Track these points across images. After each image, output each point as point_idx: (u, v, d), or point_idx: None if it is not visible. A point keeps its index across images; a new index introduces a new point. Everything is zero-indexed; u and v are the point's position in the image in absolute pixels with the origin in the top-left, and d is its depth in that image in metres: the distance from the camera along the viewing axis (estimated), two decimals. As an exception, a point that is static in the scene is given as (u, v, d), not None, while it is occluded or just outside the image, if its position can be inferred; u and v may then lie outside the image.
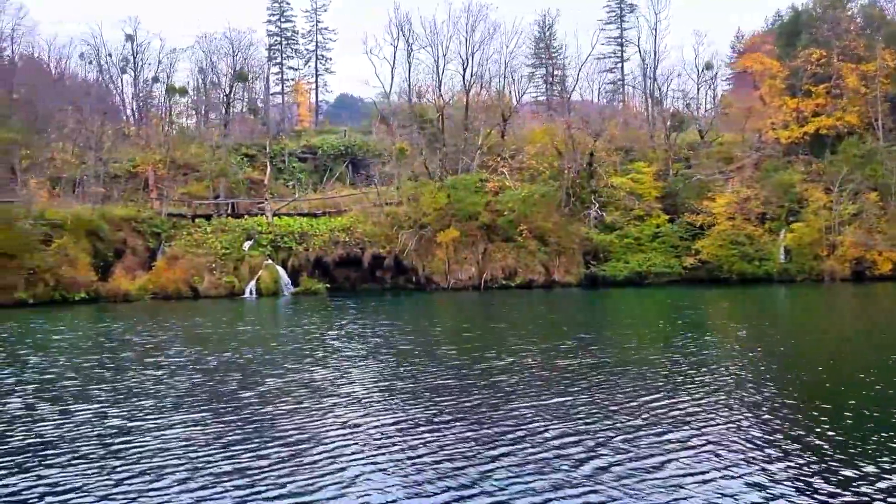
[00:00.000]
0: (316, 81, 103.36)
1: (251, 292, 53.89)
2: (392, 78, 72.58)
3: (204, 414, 15.33)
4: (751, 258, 57.75)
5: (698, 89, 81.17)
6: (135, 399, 16.94)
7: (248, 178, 67.26)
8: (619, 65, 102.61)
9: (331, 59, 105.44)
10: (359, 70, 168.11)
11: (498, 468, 11.43)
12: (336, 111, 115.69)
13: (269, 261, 55.62)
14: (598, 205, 60.43)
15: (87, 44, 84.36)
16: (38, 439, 13.52)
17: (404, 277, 58.49)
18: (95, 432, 13.89)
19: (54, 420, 14.98)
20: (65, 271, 48.89)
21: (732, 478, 10.83)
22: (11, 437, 13.74)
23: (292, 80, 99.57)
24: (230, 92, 73.92)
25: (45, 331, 33.18)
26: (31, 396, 17.64)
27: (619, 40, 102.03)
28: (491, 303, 47.16)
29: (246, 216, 59.45)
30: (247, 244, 56.10)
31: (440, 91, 66.19)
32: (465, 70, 66.53)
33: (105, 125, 62.39)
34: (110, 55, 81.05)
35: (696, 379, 18.27)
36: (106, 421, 14.81)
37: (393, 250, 57.27)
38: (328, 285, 55.80)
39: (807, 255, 57.84)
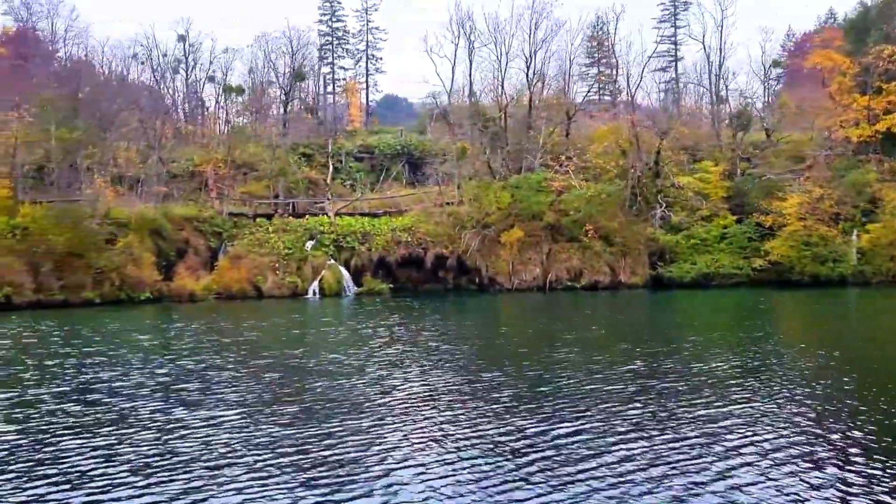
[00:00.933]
0: (367, 81, 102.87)
1: (314, 292, 53.29)
2: (453, 76, 71.70)
3: (293, 413, 14.61)
4: (824, 259, 56.01)
5: (765, 88, 79.36)
6: (248, 398, 16.21)
7: (306, 178, 66.65)
8: (674, 63, 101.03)
9: (381, 58, 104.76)
10: (405, 69, 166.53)
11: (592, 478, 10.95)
12: (381, 111, 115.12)
13: (332, 261, 54.99)
14: (664, 205, 59.03)
15: (139, 45, 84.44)
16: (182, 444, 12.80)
17: (467, 278, 57.57)
18: (221, 435, 13.16)
19: (189, 424, 14.26)
20: (130, 271, 48.55)
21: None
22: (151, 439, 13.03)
23: (343, 79, 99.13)
24: (290, 90, 73.43)
25: (127, 330, 32.70)
26: (158, 399, 16.95)
27: (673, 38, 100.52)
28: (557, 304, 46.12)
29: (308, 216, 58.81)
30: (309, 244, 55.54)
31: (503, 89, 65.18)
32: (528, 68, 65.46)
33: (165, 124, 62.09)
34: (165, 54, 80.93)
35: (797, 389, 17.20)
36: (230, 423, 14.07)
37: (455, 250, 56.40)
38: (391, 285, 55.10)
39: (883, 257, 55.97)
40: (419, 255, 56.53)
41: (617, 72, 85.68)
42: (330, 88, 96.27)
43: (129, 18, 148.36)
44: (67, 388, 18.14)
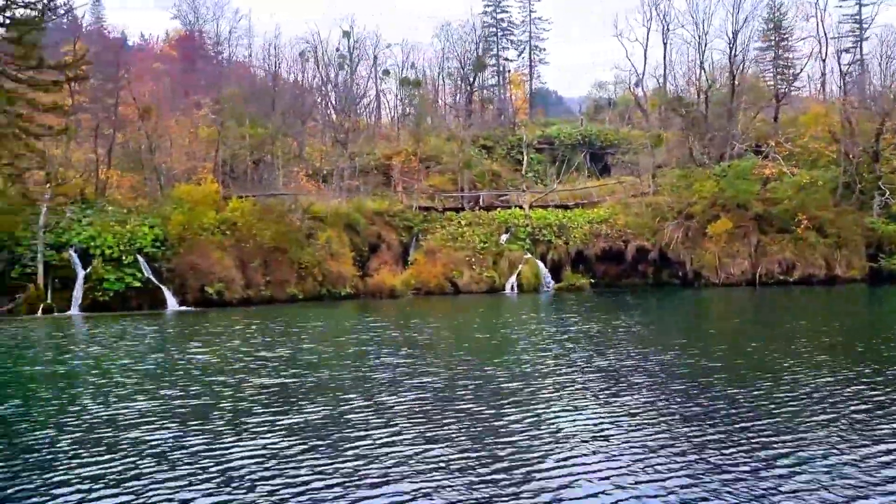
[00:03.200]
0: (530, 72, 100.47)
1: (512, 287, 51.26)
2: (645, 60, 68.30)
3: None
4: None
5: None
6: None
7: (490, 171, 64.74)
8: (858, 44, 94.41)
9: (544, 49, 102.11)
10: (561, 61, 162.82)
11: None
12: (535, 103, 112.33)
13: (528, 255, 52.76)
14: (886, 192, 54.10)
15: (305, 42, 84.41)
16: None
17: (668, 272, 54.25)
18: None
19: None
20: (330, 266, 47.60)
21: None
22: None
23: (508, 71, 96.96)
24: (473, 81, 71.65)
25: (380, 326, 31.07)
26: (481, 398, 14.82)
27: (857, 17, 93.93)
28: (773, 300, 42.11)
29: (499, 209, 56.73)
30: (503, 237, 53.55)
31: (703, 71, 61.34)
32: (731, 49, 61.32)
33: (351, 118, 61.33)
34: (337, 48, 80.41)
35: None
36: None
37: (657, 243, 53.20)
38: (592, 280, 52.48)
39: None
40: (619, 248, 53.66)
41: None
42: (495, 81, 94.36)
43: (293, 19, 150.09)
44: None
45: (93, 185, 45.85)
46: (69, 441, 11.51)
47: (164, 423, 12.56)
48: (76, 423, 12.86)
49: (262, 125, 56.69)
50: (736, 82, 60.82)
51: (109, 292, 40.14)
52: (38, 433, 12.18)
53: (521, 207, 56.17)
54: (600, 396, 14.32)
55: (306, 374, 17.60)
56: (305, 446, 10.90)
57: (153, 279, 41.48)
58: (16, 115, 40.90)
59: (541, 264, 52.82)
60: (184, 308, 41.17)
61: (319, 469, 9.76)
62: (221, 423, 12.61)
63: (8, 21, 41.14)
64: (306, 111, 58.70)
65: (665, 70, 66.75)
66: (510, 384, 15.68)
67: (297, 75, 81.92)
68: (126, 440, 11.45)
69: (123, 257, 40.94)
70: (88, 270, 40.45)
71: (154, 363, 20.13)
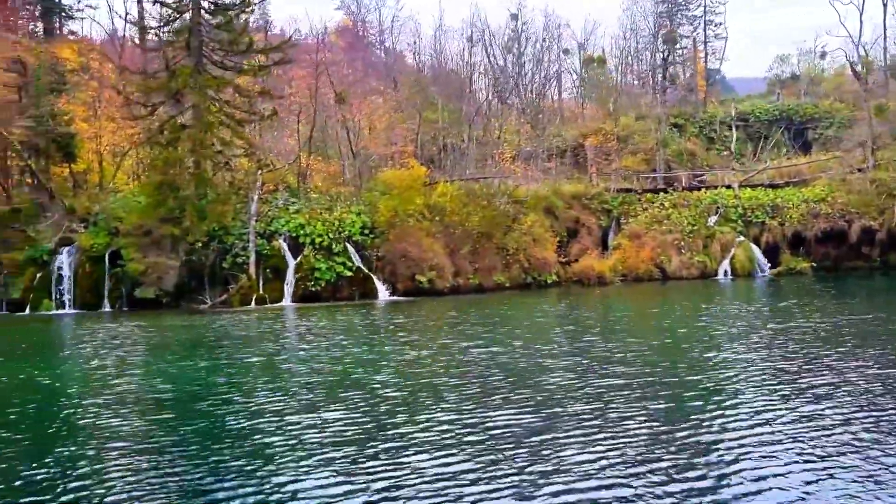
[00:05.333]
0: (705, 48, 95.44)
1: (725, 273, 47.94)
2: (860, 26, 63.11)
3: None
4: None
5: None
6: None
7: (685, 150, 61.22)
8: None
9: (721, 23, 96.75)
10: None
11: None
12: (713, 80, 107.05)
13: (741, 237, 49.23)
14: None
15: (473, 27, 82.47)
16: None
17: (898, 254, 49.53)
18: None
19: None
20: (535, 252, 45.50)
21: None
22: None
23: (684, 48, 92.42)
24: (667, 56, 68.11)
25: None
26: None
27: None
28: None
29: (703, 189, 53.22)
30: (712, 219, 50.19)
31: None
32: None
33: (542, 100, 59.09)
34: (510, 29, 78.16)
35: None
36: None
37: (885, 223, 48.61)
38: (813, 263, 48.52)
39: None
40: (841, 228, 49.30)
41: None
42: (671, 58, 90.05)
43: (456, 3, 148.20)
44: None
45: (294, 172, 45.17)
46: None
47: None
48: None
49: (452, 109, 55.18)
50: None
51: (321, 282, 39.31)
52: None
53: (728, 187, 52.45)
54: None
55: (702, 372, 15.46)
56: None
57: (363, 268, 40.43)
58: (224, 103, 40.60)
59: (755, 247, 49.23)
60: (394, 298, 39.96)
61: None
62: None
63: (213, 6, 40.82)
64: (500, 93, 56.61)
65: (884, 33, 61.20)
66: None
67: (466, 59, 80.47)
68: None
69: (333, 245, 40.04)
70: (299, 259, 39.73)
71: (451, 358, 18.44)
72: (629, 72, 73.70)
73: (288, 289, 39.22)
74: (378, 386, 15.10)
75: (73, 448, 11.20)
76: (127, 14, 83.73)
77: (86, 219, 41.58)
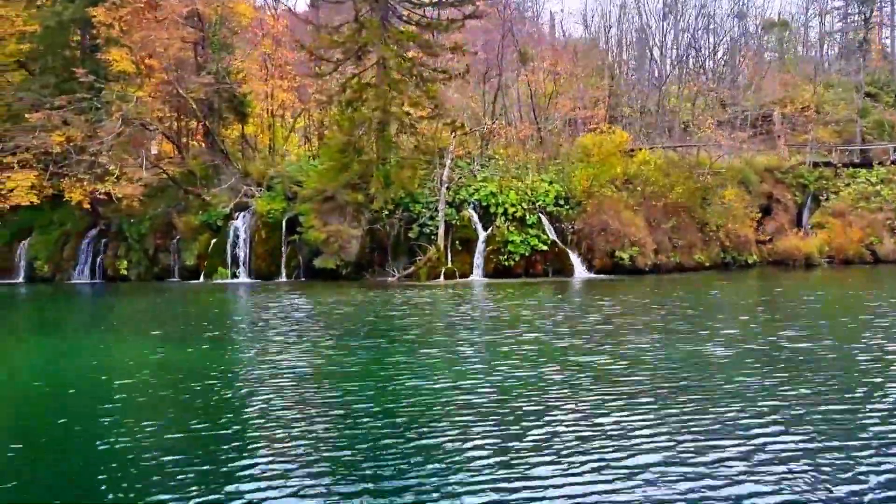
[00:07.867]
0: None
1: (947, 257, 42.90)
2: None
3: None
4: None
5: None
6: None
7: (887, 120, 55.70)
8: None
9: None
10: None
11: None
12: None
13: (964, 217, 43.99)
14: None
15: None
16: None
17: None
18: None
19: None
20: (735, 229, 41.41)
21: None
22: None
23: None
24: (869, 16, 62.21)
25: None
26: None
27: None
28: None
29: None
30: (928, 197, 44.94)
31: None
32: None
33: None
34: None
35: None
36: None
37: None
38: None
39: None
40: None
41: None
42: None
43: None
44: None
45: (477, 136, 41.86)
46: None
47: None
48: None
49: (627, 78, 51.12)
50: None
51: (515, 256, 36.07)
52: None
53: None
54: None
55: None
56: None
57: (557, 241, 37.04)
58: (409, 60, 37.43)
59: (981, 228, 43.98)
60: (590, 275, 36.50)
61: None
62: None
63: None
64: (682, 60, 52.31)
65: None
66: None
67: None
68: None
69: (527, 216, 36.74)
70: (490, 231, 36.60)
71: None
72: (813, 35, 67.63)
73: (479, 262, 36.17)
74: (647, 385, 11.37)
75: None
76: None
77: (261, 183, 39.41)
